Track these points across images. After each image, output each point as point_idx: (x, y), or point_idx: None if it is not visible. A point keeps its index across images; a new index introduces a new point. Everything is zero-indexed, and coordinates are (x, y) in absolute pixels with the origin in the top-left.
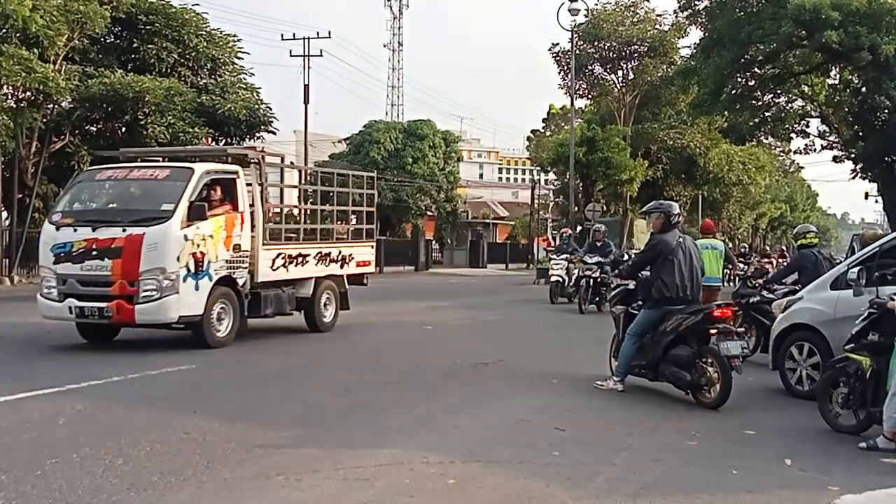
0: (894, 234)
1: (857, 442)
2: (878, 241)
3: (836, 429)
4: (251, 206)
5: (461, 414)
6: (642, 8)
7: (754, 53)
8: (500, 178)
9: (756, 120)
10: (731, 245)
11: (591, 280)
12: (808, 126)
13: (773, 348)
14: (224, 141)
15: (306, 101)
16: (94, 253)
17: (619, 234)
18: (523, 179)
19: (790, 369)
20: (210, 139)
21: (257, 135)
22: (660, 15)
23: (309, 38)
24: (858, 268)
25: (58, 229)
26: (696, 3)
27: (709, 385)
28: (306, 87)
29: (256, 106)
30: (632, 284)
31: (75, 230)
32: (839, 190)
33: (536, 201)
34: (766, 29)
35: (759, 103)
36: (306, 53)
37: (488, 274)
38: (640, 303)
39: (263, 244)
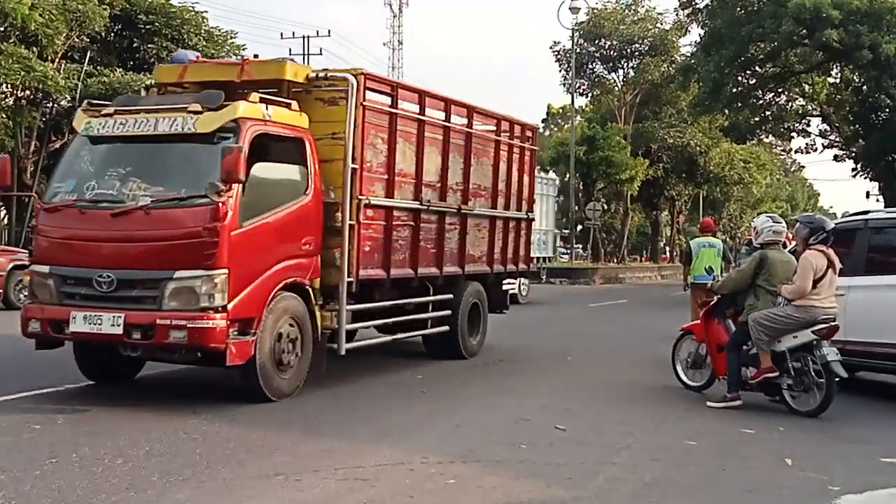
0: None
1: (857, 442)
2: None
3: None
4: None
5: (461, 414)
6: (643, 6)
7: (755, 52)
8: None
9: (757, 119)
10: (730, 244)
11: None
12: (808, 125)
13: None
14: None
15: None
16: None
17: (620, 234)
18: None
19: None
20: None
21: None
22: (661, 13)
23: (309, 37)
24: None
25: None
26: (697, 1)
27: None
28: None
29: None
30: None
31: None
32: (840, 189)
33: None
34: (766, 27)
35: (760, 102)
36: (306, 52)
37: None
38: None
39: None
